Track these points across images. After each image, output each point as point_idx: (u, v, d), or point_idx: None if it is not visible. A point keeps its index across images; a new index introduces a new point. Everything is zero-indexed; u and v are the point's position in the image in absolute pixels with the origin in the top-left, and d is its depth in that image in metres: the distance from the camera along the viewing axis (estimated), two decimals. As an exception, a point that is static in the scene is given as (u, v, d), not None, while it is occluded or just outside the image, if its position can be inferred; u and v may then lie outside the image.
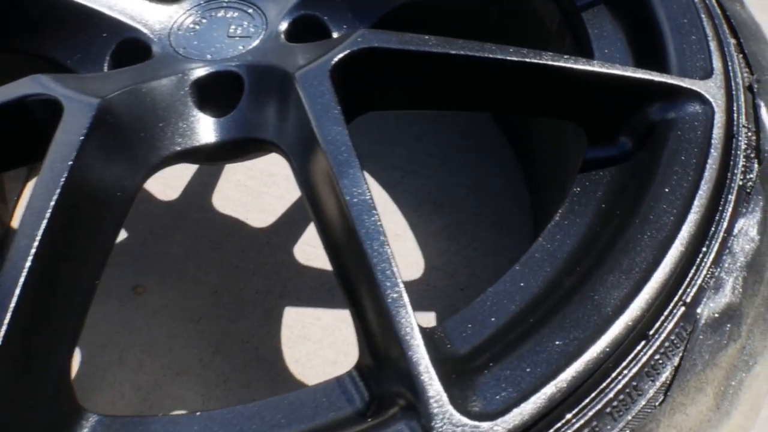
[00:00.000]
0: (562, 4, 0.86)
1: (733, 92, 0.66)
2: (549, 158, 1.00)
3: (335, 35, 0.81)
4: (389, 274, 0.51)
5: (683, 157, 0.61)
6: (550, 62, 0.64)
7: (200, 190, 1.05)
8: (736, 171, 0.60)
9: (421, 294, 0.97)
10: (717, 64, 0.68)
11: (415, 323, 0.48)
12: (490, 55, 0.65)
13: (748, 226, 0.57)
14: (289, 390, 0.91)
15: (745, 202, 0.59)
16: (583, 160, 0.68)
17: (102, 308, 0.97)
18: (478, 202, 1.04)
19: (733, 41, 0.72)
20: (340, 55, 0.65)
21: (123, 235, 1.02)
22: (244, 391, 0.91)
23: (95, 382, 0.92)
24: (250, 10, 0.83)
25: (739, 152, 0.62)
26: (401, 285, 0.50)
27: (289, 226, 1.02)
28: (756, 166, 0.62)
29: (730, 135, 0.63)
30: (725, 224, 0.57)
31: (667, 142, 0.63)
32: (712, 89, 0.65)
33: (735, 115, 0.64)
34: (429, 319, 0.96)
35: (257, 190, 1.05)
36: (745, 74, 0.69)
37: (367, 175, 1.08)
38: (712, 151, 0.60)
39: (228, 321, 0.95)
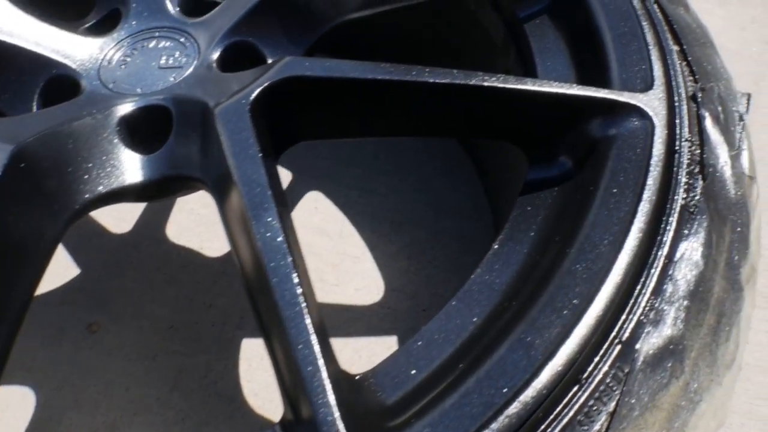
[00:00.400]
0: (505, 15, 0.81)
1: (676, 104, 0.62)
2: (508, 171, 0.96)
3: (270, 61, 0.76)
4: (301, 327, 0.46)
5: (622, 178, 0.56)
6: (479, 83, 0.60)
7: (153, 220, 1.01)
8: (678, 190, 0.56)
9: (382, 318, 0.93)
10: (658, 74, 0.63)
11: (326, 382, 0.44)
12: (418, 79, 0.61)
13: (691, 250, 0.53)
14: (249, 426, 0.87)
15: (688, 223, 0.54)
16: (523, 181, 0.64)
17: (56, 349, 0.92)
18: (437, 219, 1.00)
19: (676, 48, 0.67)
20: (260, 88, 0.61)
21: (75, 271, 0.97)
22: (203, 429, 0.86)
23: (51, 426, 0.88)
24: (182, 39, 0.78)
25: (681, 169, 0.57)
26: (314, 340, 0.46)
27: (244, 254, 0.97)
28: (700, 182, 0.57)
29: (671, 151, 0.58)
30: (666, 249, 0.52)
31: (607, 161, 0.58)
32: (652, 102, 0.60)
33: (677, 128, 0.60)
34: (391, 343, 0.91)
35: (211, 219, 1.01)
36: (689, 83, 0.65)
37: (323, 197, 1.04)
38: (651, 169, 0.56)
39: (185, 356, 0.91)
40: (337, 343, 0.91)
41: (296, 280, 0.48)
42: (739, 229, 0.56)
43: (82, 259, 0.98)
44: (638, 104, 0.60)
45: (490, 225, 0.99)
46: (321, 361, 0.45)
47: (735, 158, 0.60)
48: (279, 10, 0.76)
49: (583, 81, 0.69)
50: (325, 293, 0.94)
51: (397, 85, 0.61)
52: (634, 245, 0.51)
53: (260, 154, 0.57)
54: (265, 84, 0.61)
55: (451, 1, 0.80)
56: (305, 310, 0.47)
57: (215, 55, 0.75)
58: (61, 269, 0.97)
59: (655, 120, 0.59)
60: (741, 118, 0.64)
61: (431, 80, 0.60)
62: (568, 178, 0.62)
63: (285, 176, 1.05)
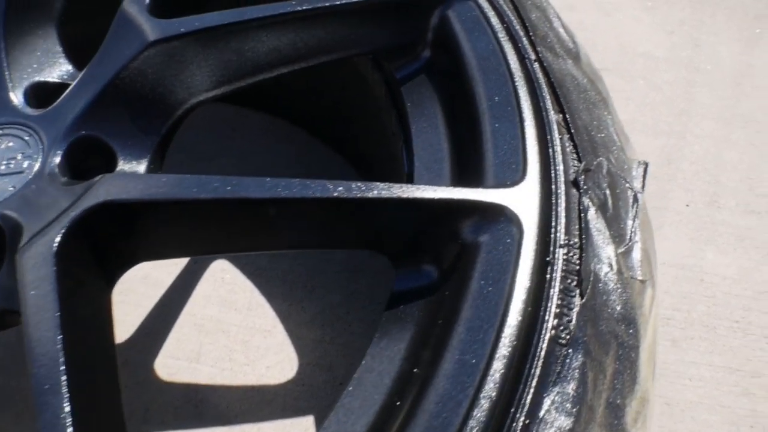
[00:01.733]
0: (384, 74, 0.70)
1: (553, 197, 0.50)
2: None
3: (120, 157, 0.65)
4: None
5: (481, 305, 0.45)
6: (310, 195, 0.49)
7: (52, 308, 0.91)
8: (547, 318, 0.45)
9: (297, 396, 0.83)
10: (533, 159, 0.52)
11: None
12: (245, 195, 0.50)
13: (560, 401, 0.42)
14: None
15: (558, 361, 0.43)
16: (390, 292, 0.53)
17: (-44, 458, 0.83)
18: (351, 280, 0.89)
19: (558, 117, 0.56)
20: (69, 224, 0.50)
21: (-28, 371, 0.88)
22: None
23: None
24: (27, 137, 0.67)
25: (553, 288, 0.46)
26: None
27: (148, 337, 0.87)
28: (576, 301, 0.46)
29: (542, 263, 0.47)
30: (527, 406, 0.41)
31: (470, 280, 0.47)
32: (522, 199, 0.49)
33: (552, 231, 0.49)
34: (308, 424, 0.82)
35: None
36: (572, 162, 0.54)
37: (230, 265, 0.93)
38: (515, 294, 0.45)
39: (88, 457, 0.81)
40: (250, 430, 0.81)
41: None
42: (625, 354, 0.45)
43: (-21, 356, 0.89)
44: (505, 204, 0.49)
45: (409, 281, 0.88)
46: None
47: (624, 257, 0.49)
48: (123, 98, 0.64)
49: (458, 156, 0.58)
50: (235, 374, 0.84)
51: (222, 203, 0.50)
52: (486, 409, 0.40)
53: (59, 314, 0.46)
54: (75, 216, 0.50)
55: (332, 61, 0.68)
56: None
57: (57, 156, 0.64)
58: (-44, 370, 0.88)
59: (524, 224, 0.48)
60: (635, 199, 0.53)
61: (258, 196, 0.49)
62: (434, 292, 0.51)
63: (191, 243, 0.94)
